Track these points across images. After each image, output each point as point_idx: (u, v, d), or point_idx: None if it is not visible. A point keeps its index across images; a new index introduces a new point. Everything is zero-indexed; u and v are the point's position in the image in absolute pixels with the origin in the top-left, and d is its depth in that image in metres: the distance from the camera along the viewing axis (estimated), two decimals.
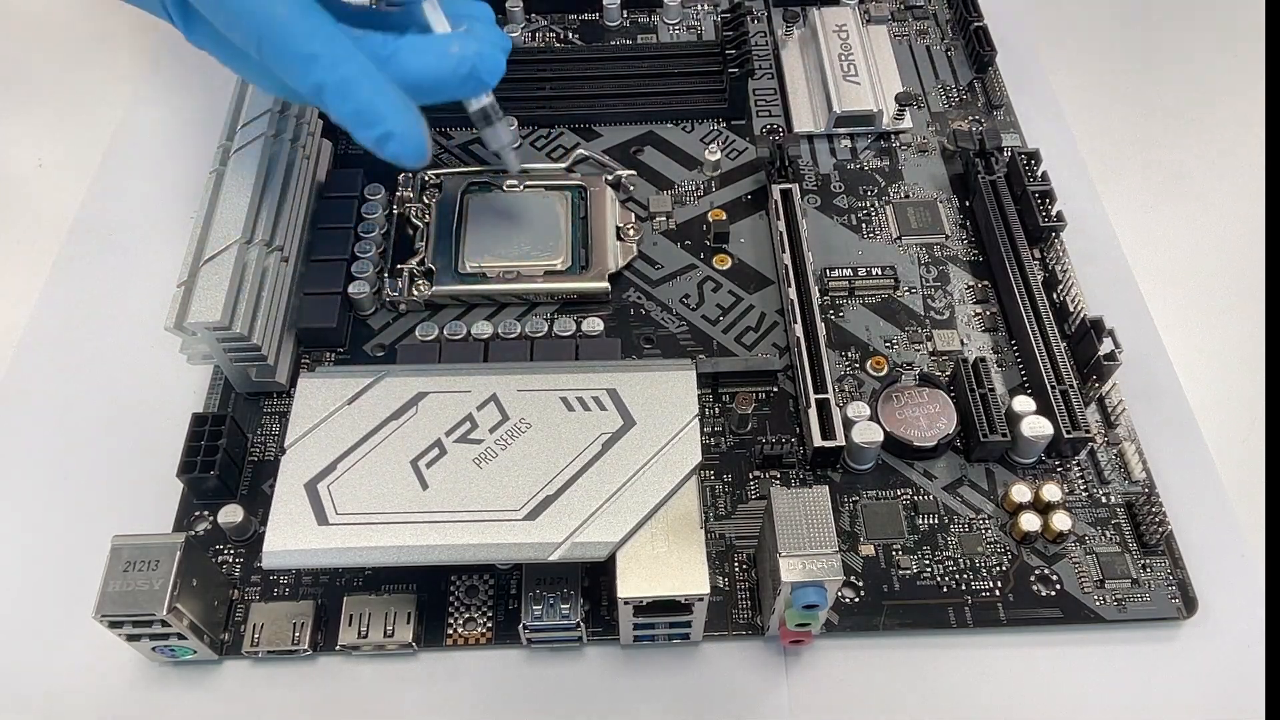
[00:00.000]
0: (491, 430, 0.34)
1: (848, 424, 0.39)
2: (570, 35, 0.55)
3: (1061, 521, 0.37)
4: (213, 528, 0.38)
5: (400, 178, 0.47)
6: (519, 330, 0.43)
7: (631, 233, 0.46)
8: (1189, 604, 0.36)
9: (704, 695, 0.35)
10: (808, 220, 0.45)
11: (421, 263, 0.44)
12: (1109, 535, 0.38)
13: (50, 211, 0.50)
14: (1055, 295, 0.42)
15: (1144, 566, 0.37)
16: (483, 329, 0.43)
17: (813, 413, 0.39)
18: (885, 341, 0.43)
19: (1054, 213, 0.44)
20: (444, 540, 0.32)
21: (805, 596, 0.31)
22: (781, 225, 0.44)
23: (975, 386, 0.39)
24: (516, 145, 0.50)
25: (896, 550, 0.37)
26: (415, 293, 0.44)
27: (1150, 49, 0.57)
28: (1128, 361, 0.40)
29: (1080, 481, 0.39)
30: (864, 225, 0.47)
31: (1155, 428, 0.41)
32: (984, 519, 0.38)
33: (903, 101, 0.50)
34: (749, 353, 0.43)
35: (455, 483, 0.33)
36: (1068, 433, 0.38)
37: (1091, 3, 0.60)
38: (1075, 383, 0.40)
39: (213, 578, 0.35)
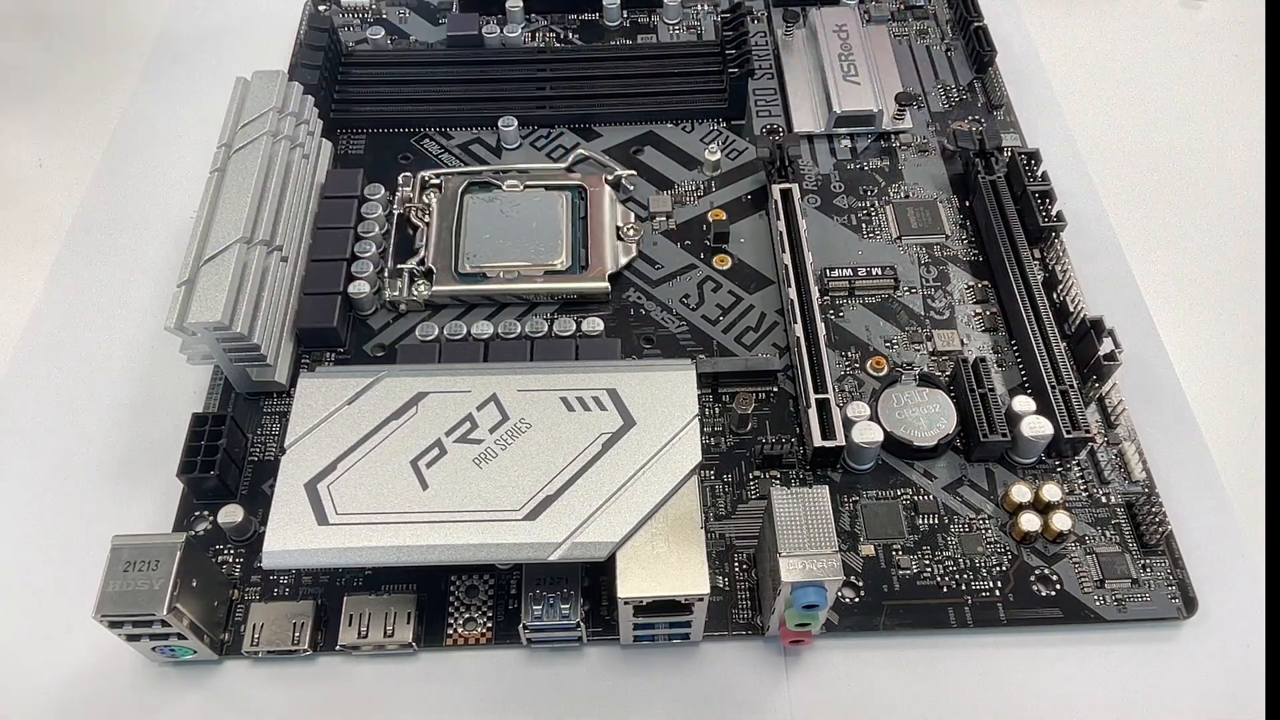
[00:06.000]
0: (491, 430, 0.34)
1: (848, 424, 0.39)
2: (570, 35, 0.55)
3: (1061, 521, 0.37)
4: (213, 528, 0.38)
5: (400, 178, 0.47)
6: (519, 330, 0.43)
7: (631, 233, 0.46)
8: (1189, 604, 0.36)
9: (704, 695, 0.35)
10: (808, 220, 0.45)
11: (421, 263, 0.44)
12: (1109, 535, 0.38)
13: (50, 211, 0.50)
14: (1055, 295, 0.42)
15: (1144, 566, 0.37)
16: (483, 329, 0.43)
17: (813, 413, 0.39)
18: (885, 341, 0.43)
19: (1054, 213, 0.44)
20: (444, 540, 0.32)
21: (805, 596, 0.31)
22: (781, 225, 0.44)
23: (975, 386, 0.39)
24: (516, 146, 0.50)
25: (896, 550, 0.37)
26: (415, 293, 0.44)
27: (1150, 48, 0.57)
28: (1128, 361, 0.40)
29: (1080, 481, 0.39)
30: (864, 225, 0.47)
31: (1155, 428, 0.41)
32: (984, 519, 0.38)
33: (903, 101, 0.50)
34: (749, 353, 0.43)
35: (455, 483, 0.33)
36: (1068, 433, 0.38)
37: (1091, 2, 0.60)
38: (1075, 383, 0.40)
39: (213, 578, 0.35)
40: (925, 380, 0.41)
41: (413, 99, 0.51)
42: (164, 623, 0.32)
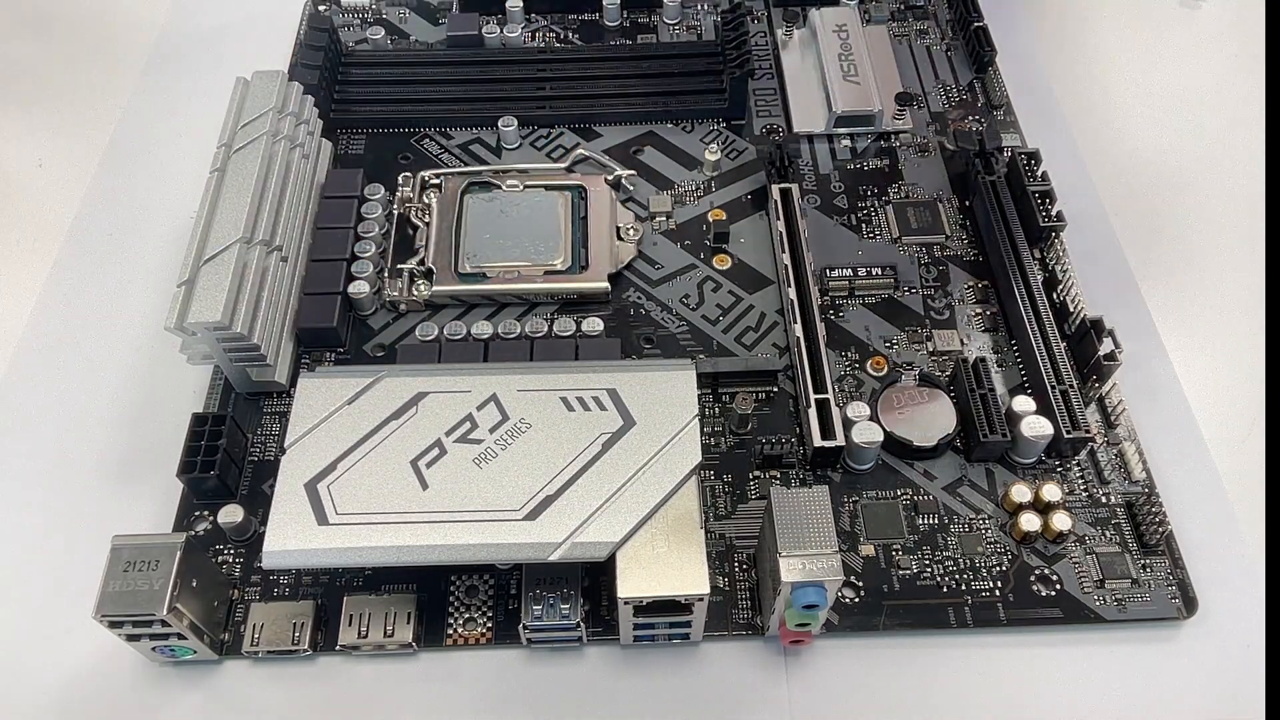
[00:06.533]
0: (491, 430, 0.34)
1: (848, 424, 0.39)
2: (570, 35, 0.55)
3: (1061, 521, 0.37)
4: (213, 528, 0.38)
5: (400, 178, 0.47)
6: (519, 330, 0.43)
7: (631, 233, 0.46)
8: (1189, 604, 0.36)
9: (704, 695, 0.35)
10: (808, 220, 0.45)
11: (421, 263, 0.44)
12: (1109, 535, 0.38)
13: (50, 211, 0.50)
14: (1055, 295, 0.42)
15: (1144, 566, 0.37)
16: (483, 329, 0.43)
17: (813, 413, 0.39)
18: (885, 341, 0.43)
19: (1054, 213, 0.44)
20: (444, 540, 0.32)
21: (805, 596, 0.31)
22: (781, 225, 0.44)
23: (975, 386, 0.39)
24: (516, 146, 0.50)
25: (896, 550, 0.37)
26: (415, 293, 0.44)
27: (1150, 48, 0.57)
28: (1128, 361, 0.40)
29: (1080, 481, 0.39)
30: (864, 225, 0.47)
31: (1155, 428, 0.41)
32: (984, 519, 0.38)
33: (903, 101, 0.50)
34: (749, 353, 0.43)
35: (455, 483, 0.33)
36: (1068, 433, 0.38)
37: (1091, 2, 0.60)
38: (1075, 383, 0.40)
39: (213, 578, 0.35)
40: (925, 380, 0.41)
41: (413, 99, 0.51)
42: (164, 623, 0.32)
